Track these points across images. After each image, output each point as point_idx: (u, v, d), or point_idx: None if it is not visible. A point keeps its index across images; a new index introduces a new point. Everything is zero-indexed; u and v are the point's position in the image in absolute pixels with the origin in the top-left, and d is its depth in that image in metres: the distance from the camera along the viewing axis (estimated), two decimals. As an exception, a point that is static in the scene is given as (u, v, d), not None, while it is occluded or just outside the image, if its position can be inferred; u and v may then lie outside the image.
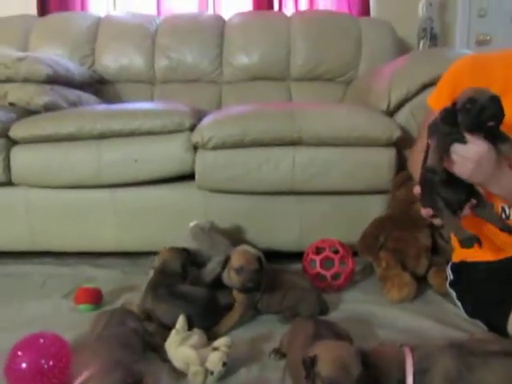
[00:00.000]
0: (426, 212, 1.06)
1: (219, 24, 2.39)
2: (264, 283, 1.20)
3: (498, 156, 0.98)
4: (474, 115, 0.93)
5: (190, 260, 1.34)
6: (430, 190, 1.04)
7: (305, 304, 1.22)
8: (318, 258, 1.41)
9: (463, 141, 0.97)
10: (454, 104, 0.97)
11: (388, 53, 2.29)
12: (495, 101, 0.93)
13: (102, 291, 1.36)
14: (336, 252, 1.41)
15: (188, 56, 2.33)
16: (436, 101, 1.18)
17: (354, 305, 1.31)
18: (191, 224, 1.51)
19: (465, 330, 1.13)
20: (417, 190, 1.08)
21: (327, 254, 1.41)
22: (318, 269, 1.40)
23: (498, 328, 1.04)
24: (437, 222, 1.07)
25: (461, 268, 1.22)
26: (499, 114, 0.93)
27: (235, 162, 1.54)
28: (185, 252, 1.34)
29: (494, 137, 0.98)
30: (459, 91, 1.03)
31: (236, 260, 1.18)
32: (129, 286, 1.48)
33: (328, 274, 1.39)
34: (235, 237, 1.57)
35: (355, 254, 1.48)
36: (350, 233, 1.51)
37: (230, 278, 1.19)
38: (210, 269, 1.36)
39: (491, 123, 0.93)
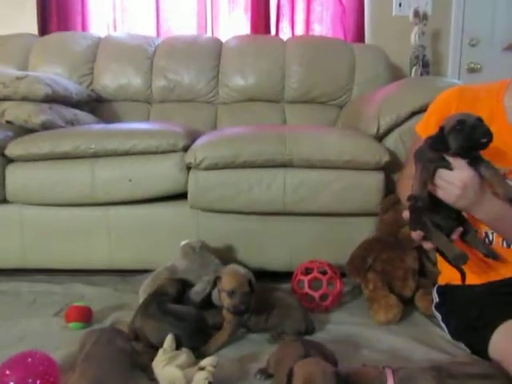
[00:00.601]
0: (416, 235, 1.09)
1: (216, 46, 2.45)
2: (253, 302, 1.22)
3: (482, 182, 1.01)
4: (466, 134, 0.98)
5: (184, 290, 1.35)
6: (419, 214, 1.08)
7: (290, 321, 1.23)
8: (306, 279, 1.43)
9: (449, 167, 1.01)
10: (442, 129, 1.01)
11: (381, 78, 2.34)
12: (482, 121, 0.99)
13: (92, 309, 1.36)
14: (324, 273, 1.43)
15: (185, 77, 2.38)
16: (424, 128, 1.23)
17: (340, 326, 1.32)
18: (182, 243, 1.53)
19: (448, 353, 1.15)
20: (405, 214, 1.11)
21: (315, 274, 1.43)
22: (307, 289, 1.42)
23: (480, 351, 1.06)
24: (427, 245, 1.10)
25: (446, 291, 1.24)
26: (489, 132, 0.98)
27: (227, 183, 1.57)
28: (182, 281, 1.37)
29: (477, 163, 1.02)
30: (447, 115, 1.09)
31: (227, 282, 1.20)
32: (120, 304, 1.49)
33: (316, 294, 1.41)
34: (226, 256, 1.59)
35: (344, 275, 1.50)
36: (340, 254, 1.53)
37: (222, 299, 1.21)
38: (200, 288, 1.38)
39: (484, 140, 0.98)
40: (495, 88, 1.18)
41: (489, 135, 0.98)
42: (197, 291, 1.36)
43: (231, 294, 1.18)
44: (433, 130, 1.08)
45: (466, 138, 0.98)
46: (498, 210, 1.03)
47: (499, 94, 1.15)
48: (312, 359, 0.90)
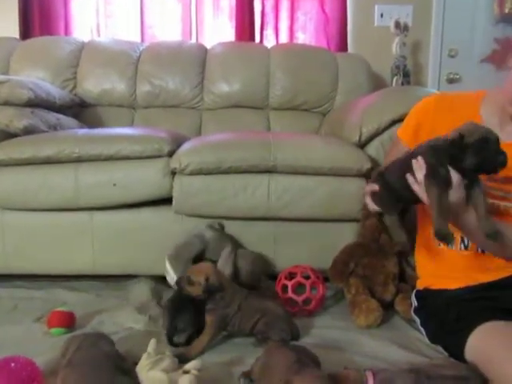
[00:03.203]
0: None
1: (201, 53, 2.46)
2: (236, 305, 1.24)
3: (466, 200, 1.02)
4: (488, 156, 0.96)
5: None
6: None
7: (276, 330, 1.24)
8: (289, 283, 1.45)
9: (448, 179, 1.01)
10: (462, 137, 0.97)
11: (363, 87, 2.38)
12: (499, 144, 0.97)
13: (75, 314, 1.36)
14: (307, 278, 1.46)
15: (170, 83, 2.38)
16: (403, 132, 1.30)
17: (323, 330, 1.35)
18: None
19: (427, 356, 1.18)
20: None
21: (299, 279, 1.45)
22: (290, 294, 1.44)
23: (456, 354, 1.09)
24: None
25: (424, 295, 1.27)
26: (506, 161, 0.96)
27: (212, 188, 1.58)
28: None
29: (473, 185, 1.02)
30: (423, 125, 1.17)
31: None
32: (102, 308, 1.48)
33: (299, 299, 1.43)
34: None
35: (327, 279, 1.52)
36: (322, 259, 1.56)
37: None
38: (226, 253, 1.49)
39: (501, 168, 0.97)
40: (471, 98, 1.23)
41: (505, 164, 0.96)
42: (225, 257, 1.47)
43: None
44: (410, 133, 1.18)
45: (486, 160, 0.96)
46: (470, 229, 1.07)
47: (475, 104, 1.20)
48: (313, 372, 0.92)
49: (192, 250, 1.45)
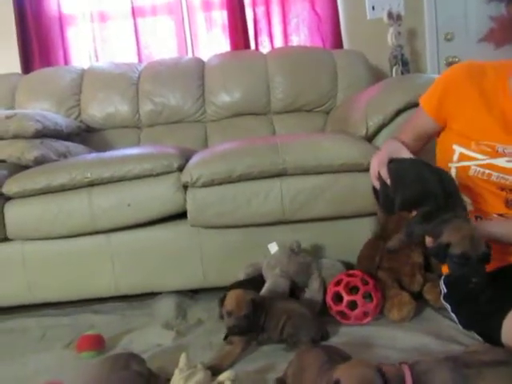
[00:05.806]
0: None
1: (199, 66, 2.48)
2: (263, 312, 1.24)
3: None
4: (465, 274, 0.98)
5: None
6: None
7: (305, 331, 1.23)
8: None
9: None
10: (447, 245, 0.98)
11: (363, 81, 2.37)
12: (483, 266, 0.97)
13: (103, 337, 1.36)
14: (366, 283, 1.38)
15: (171, 99, 2.40)
16: (427, 101, 1.25)
17: (352, 327, 1.33)
18: (272, 246, 1.52)
19: (461, 343, 1.16)
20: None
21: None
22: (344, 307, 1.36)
23: (492, 338, 1.06)
24: None
25: (453, 281, 1.24)
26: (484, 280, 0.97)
27: (225, 198, 1.58)
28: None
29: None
30: (449, 94, 1.16)
31: (227, 303, 1.24)
32: (129, 328, 1.49)
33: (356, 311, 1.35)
34: (232, 270, 1.58)
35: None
36: (345, 256, 1.56)
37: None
38: (316, 285, 1.47)
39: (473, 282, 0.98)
40: (503, 66, 1.18)
41: (478, 288, 0.98)
42: (315, 289, 1.45)
43: (228, 314, 1.22)
44: (435, 103, 1.19)
45: (461, 276, 0.99)
46: None
47: (505, 72, 1.15)
48: (353, 361, 0.91)
49: (284, 293, 1.40)
